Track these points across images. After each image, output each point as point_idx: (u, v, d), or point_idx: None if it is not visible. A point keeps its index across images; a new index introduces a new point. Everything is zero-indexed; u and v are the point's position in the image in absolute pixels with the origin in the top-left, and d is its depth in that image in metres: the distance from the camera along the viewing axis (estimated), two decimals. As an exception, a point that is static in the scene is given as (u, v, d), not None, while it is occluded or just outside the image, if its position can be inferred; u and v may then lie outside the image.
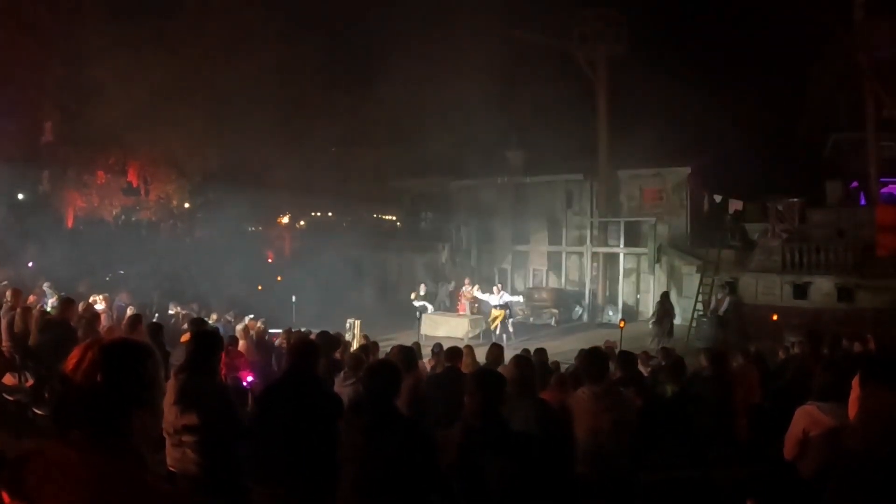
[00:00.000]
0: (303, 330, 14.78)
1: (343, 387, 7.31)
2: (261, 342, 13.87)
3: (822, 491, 3.19)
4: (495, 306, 23.62)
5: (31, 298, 15.40)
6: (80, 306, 12.12)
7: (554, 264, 32.78)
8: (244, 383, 10.23)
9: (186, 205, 39.32)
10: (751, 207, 29.40)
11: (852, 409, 3.25)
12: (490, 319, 23.71)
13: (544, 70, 31.13)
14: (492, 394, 4.59)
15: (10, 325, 10.51)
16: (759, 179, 29.65)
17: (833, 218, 25.67)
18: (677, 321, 24.31)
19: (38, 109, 30.08)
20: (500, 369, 6.15)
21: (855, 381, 3.21)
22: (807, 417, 5.16)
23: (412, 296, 25.70)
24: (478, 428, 4.48)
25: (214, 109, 31.05)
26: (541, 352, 11.62)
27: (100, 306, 15.45)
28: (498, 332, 23.08)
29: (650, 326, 23.71)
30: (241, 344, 12.51)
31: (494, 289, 24.61)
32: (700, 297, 25.06)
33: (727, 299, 23.84)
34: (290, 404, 5.17)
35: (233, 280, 28.59)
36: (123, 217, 36.96)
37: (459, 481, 4.41)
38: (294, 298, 24.82)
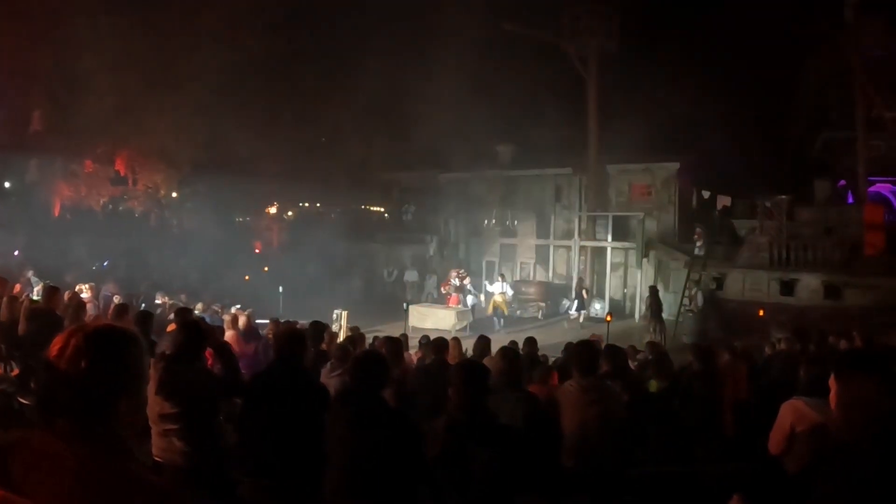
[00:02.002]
0: (290, 321, 14.74)
1: (329, 378, 7.29)
2: (247, 332, 13.81)
3: (808, 486, 3.19)
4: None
5: (17, 288, 15.31)
6: (66, 295, 12.04)
7: (542, 257, 32.81)
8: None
9: (174, 195, 39.24)
10: (739, 204, 29.51)
11: (832, 405, 3.26)
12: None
13: (534, 64, 31.13)
14: (476, 386, 4.58)
15: (-4, 313, 10.43)
16: (747, 176, 29.69)
17: (821, 216, 25.76)
18: (665, 316, 24.34)
19: (26, 98, 29.96)
20: (486, 361, 6.14)
21: (831, 380, 3.21)
22: (794, 412, 5.18)
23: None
24: (462, 420, 4.47)
25: (203, 99, 30.95)
26: (530, 342, 11.53)
27: (85, 295, 15.37)
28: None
29: (648, 321, 23.78)
30: (229, 334, 12.45)
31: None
32: (686, 293, 25.11)
33: (698, 294, 23.92)
34: (276, 395, 5.16)
35: (220, 270, 28.55)
36: (111, 206, 36.84)
37: (444, 473, 4.40)
38: (281, 289, 24.81)
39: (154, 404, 5.08)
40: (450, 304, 26.15)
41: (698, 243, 26.58)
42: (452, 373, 4.81)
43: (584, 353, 6.17)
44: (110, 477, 2.01)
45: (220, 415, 5.50)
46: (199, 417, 5.14)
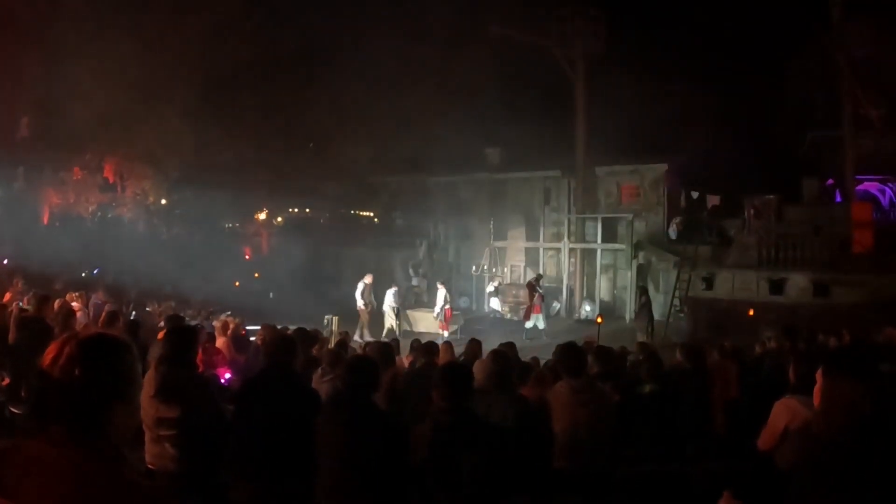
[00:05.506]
0: (276, 325, 14.72)
1: (321, 383, 7.30)
2: (238, 339, 13.77)
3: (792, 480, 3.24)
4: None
5: (7, 296, 15.24)
6: (56, 303, 11.99)
7: (531, 260, 32.79)
8: (222, 380, 10.16)
9: (163, 201, 39.11)
10: (728, 204, 29.57)
11: (816, 398, 3.32)
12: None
13: (523, 67, 31.19)
14: (459, 388, 4.58)
15: (-14, 322, 10.39)
16: (736, 176, 29.77)
17: (809, 214, 25.84)
18: (655, 316, 24.36)
19: (14, 104, 29.82)
20: (477, 364, 6.14)
21: (818, 373, 3.27)
22: (788, 412, 5.20)
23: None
24: (446, 423, 4.47)
25: (192, 105, 30.89)
26: (510, 346, 11.51)
27: (75, 304, 15.29)
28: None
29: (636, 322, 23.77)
30: (219, 341, 12.42)
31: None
32: (677, 293, 25.12)
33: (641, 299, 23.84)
34: (268, 400, 5.16)
35: (210, 277, 28.46)
36: (100, 214, 36.68)
37: (433, 476, 4.40)
38: (271, 295, 24.78)
39: (151, 408, 5.09)
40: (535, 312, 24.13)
41: (672, 229, 27.94)
42: (436, 375, 4.82)
43: (571, 355, 6.20)
44: (104, 483, 2.02)
45: (216, 420, 5.50)
46: (195, 422, 5.15)
